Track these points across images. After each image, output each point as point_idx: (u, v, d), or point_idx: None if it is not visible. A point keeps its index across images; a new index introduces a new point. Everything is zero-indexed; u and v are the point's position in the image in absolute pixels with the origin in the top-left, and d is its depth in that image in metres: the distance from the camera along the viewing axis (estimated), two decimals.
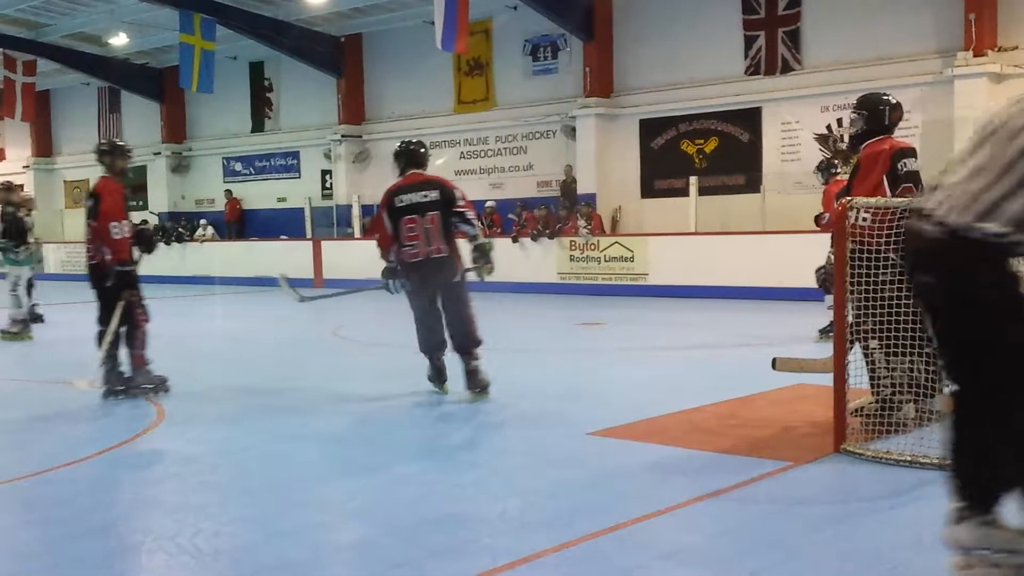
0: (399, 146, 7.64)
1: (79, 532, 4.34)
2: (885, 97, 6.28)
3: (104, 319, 7.53)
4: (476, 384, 7.29)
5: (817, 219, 10.56)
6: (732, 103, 17.81)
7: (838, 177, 10.00)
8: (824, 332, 10.35)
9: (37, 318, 13.25)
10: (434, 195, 7.28)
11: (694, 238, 16.52)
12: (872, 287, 5.39)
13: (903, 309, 5.31)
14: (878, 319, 5.41)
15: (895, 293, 5.34)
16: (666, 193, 18.62)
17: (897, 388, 5.61)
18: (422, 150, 7.61)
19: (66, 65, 25.85)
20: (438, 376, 7.55)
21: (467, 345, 7.34)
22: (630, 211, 19.11)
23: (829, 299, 10.23)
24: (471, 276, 7.48)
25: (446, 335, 7.37)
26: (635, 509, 4.42)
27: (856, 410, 5.62)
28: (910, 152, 6.01)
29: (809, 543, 4.02)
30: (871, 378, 5.64)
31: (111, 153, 7.76)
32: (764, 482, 4.86)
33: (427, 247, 7.21)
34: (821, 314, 10.00)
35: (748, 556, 3.92)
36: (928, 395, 5.64)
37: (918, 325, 5.45)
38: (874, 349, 5.59)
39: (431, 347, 7.47)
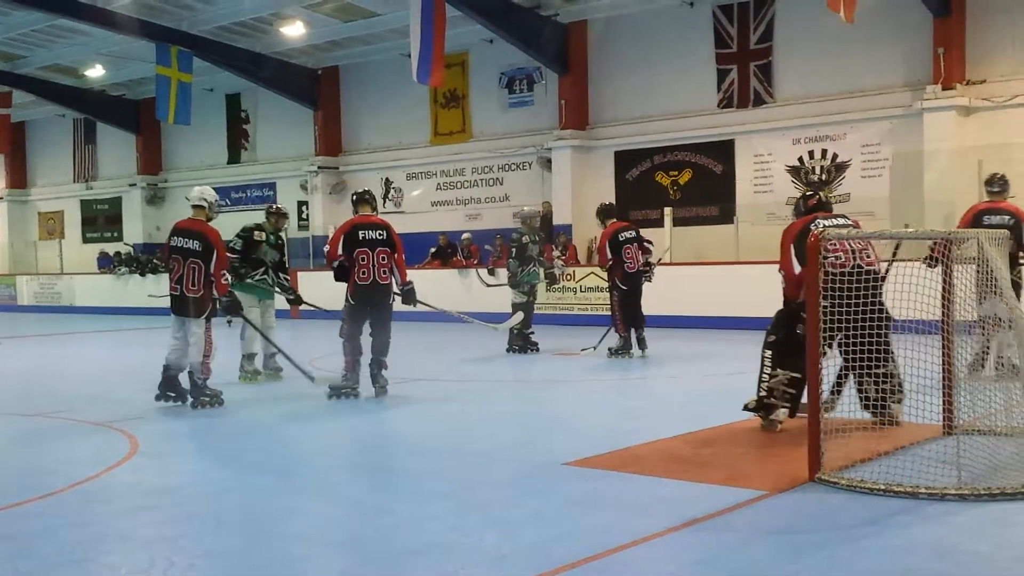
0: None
1: (53, 565, 4.29)
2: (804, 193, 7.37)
3: None
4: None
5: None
6: (705, 135, 18.03)
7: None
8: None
9: None
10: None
11: (668, 268, 16.63)
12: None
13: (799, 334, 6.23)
14: (780, 336, 6.72)
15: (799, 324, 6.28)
16: (641, 224, 18.50)
17: (772, 393, 6.66)
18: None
19: (42, 97, 25.79)
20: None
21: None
22: None
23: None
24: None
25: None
26: (612, 539, 4.42)
27: (745, 406, 6.79)
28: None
29: (786, 572, 4.04)
30: (759, 379, 6.77)
31: None
32: (740, 511, 4.88)
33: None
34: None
35: None
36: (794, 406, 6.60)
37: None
38: (767, 357, 6.77)
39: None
